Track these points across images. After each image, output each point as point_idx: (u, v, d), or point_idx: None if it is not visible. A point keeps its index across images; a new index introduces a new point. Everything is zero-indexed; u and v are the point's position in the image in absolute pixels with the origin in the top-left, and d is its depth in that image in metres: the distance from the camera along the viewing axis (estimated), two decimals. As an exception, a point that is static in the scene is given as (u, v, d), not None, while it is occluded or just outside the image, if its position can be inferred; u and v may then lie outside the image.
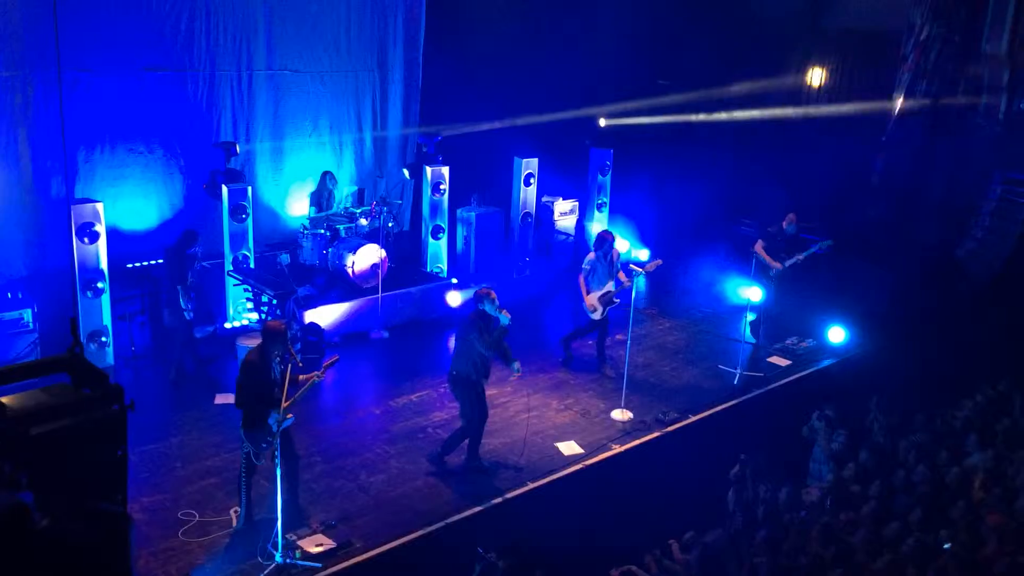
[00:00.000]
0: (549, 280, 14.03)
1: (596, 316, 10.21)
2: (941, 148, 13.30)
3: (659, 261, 10.17)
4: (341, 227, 11.69)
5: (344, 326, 11.16)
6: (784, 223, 11.19)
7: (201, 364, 9.97)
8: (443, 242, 13.11)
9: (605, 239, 10.27)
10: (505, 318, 7.85)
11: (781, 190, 14.43)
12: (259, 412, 6.83)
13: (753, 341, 11.25)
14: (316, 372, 7.08)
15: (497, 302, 7.94)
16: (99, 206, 9.61)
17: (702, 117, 15.21)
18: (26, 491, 3.15)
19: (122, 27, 10.74)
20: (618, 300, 10.23)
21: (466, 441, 8.21)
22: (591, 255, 10.31)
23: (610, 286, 10.08)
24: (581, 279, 10.22)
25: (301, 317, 10.50)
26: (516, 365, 8.14)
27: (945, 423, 9.41)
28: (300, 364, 7.04)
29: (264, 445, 6.94)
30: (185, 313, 9.57)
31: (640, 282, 9.77)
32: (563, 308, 12.85)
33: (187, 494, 7.65)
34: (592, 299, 10.14)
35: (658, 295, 13.13)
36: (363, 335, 11.30)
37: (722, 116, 15.18)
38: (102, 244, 9.60)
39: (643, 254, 14.27)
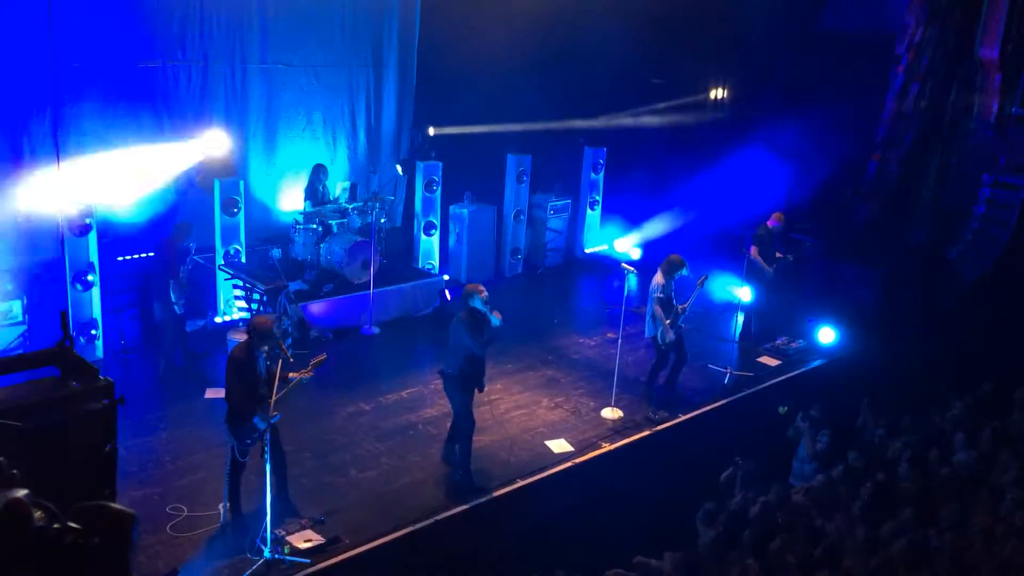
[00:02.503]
0: (540, 277, 14.05)
1: (668, 341, 9.68)
2: (933, 150, 13.37)
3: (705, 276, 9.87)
4: (333, 222, 11.67)
5: (335, 321, 11.14)
6: (769, 222, 11.23)
7: (192, 359, 9.94)
8: (435, 238, 13.11)
9: (678, 265, 9.53)
10: (496, 320, 7.77)
11: (774, 189, 14.49)
12: (244, 408, 6.82)
13: (737, 340, 11.29)
14: (304, 370, 7.04)
15: (487, 299, 7.86)
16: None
17: (695, 116, 15.24)
18: (23, 488, 3.15)
19: (115, 20, 10.69)
20: (682, 325, 9.79)
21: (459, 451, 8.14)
22: (661, 279, 9.57)
23: (677, 309, 9.64)
24: (657, 307, 9.57)
25: (293, 312, 10.48)
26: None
27: (934, 423, 9.46)
28: (291, 360, 7.02)
29: (249, 441, 6.93)
30: (176, 307, 9.55)
31: (632, 281, 9.73)
32: (556, 305, 12.87)
33: (176, 489, 7.63)
34: (669, 326, 9.57)
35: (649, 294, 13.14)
36: (354, 330, 11.29)
37: (714, 107, 15.21)
38: (93, 237, 9.58)
39: (635, 252, 14.27)
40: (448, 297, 12.15)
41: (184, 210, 11.42)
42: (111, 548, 3.10)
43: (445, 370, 7.97)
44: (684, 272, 9.61)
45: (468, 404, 7.96)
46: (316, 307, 10.92)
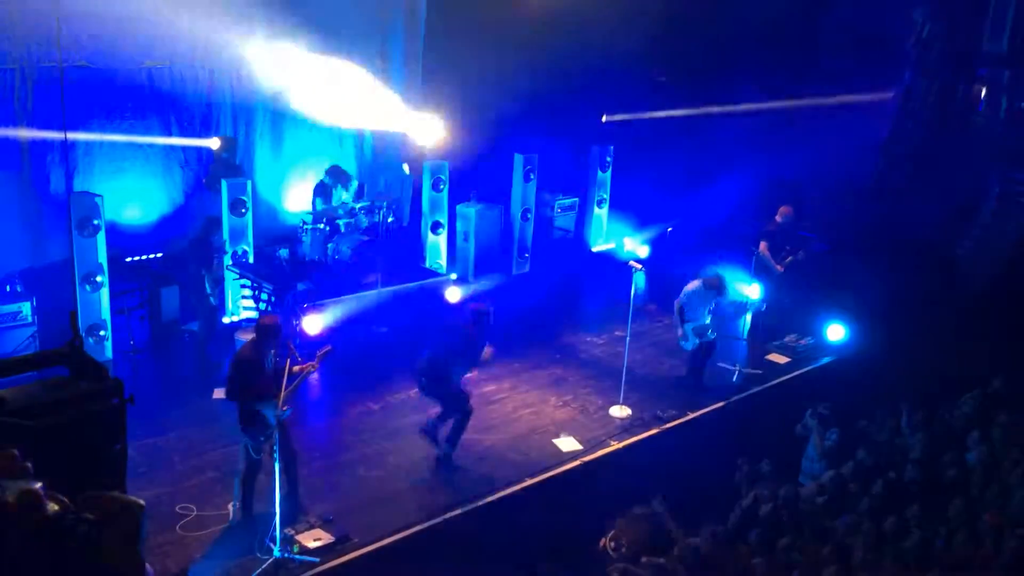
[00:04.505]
0: (548, 276, 14.03)
1: (688, 346, 9.88)
2: (941, 146, 13.31)
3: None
4: (341, 222, 11.67)
5: (343, 322, 11.13)
6: (777, 217, 11.19)
7: (208, 368, 9.93)
8: (442, 237, 13.10)
9: (714, 286, 9.70)
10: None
11: (781, 187, 14.44)
12: (254, 407, 6.83)
13: (745, 338, 11.27)
14: (310, 363, 7.06)
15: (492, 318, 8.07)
16: (98, 199, 9.61)
17: (702, 110, 15.21)
18: (37, 480, 3.19)
19: (122, 20, 10.70)
20: (713, 335, 9.91)
21: (452, 429, 8.21)
22: (690, 287, 9.84)
23: (706, 320, 9.75)
24: (677, 304, 9.83)
25: (300, 312, 10.49)
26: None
27: (943, 421, 9.42)
28: (300, 359, 7.04)
29: (262, 439, 6.94)
30: (211, 298, 9.82)
31: (640, 279, 9.72)
32: (563, 304, 12.86)
33: (185, 488, 7.65)
34: (685, 328, 9.76)
35: (657, 292, 13.12)
36: (362, 330, 11.28)
37: (721, 110, 15.19)
38: (101, 237, 9.60)
39: (642, 250, 14.25)
40: (454, 299, 12.10)
41: (191, 210, 11.46)
42: (122, 537, 3.14)
43: (424, 354, 8.13)
44: (715, 293, 9.70)
45: (458, 393, 8.07)
46: (323, 307, 10.90)
